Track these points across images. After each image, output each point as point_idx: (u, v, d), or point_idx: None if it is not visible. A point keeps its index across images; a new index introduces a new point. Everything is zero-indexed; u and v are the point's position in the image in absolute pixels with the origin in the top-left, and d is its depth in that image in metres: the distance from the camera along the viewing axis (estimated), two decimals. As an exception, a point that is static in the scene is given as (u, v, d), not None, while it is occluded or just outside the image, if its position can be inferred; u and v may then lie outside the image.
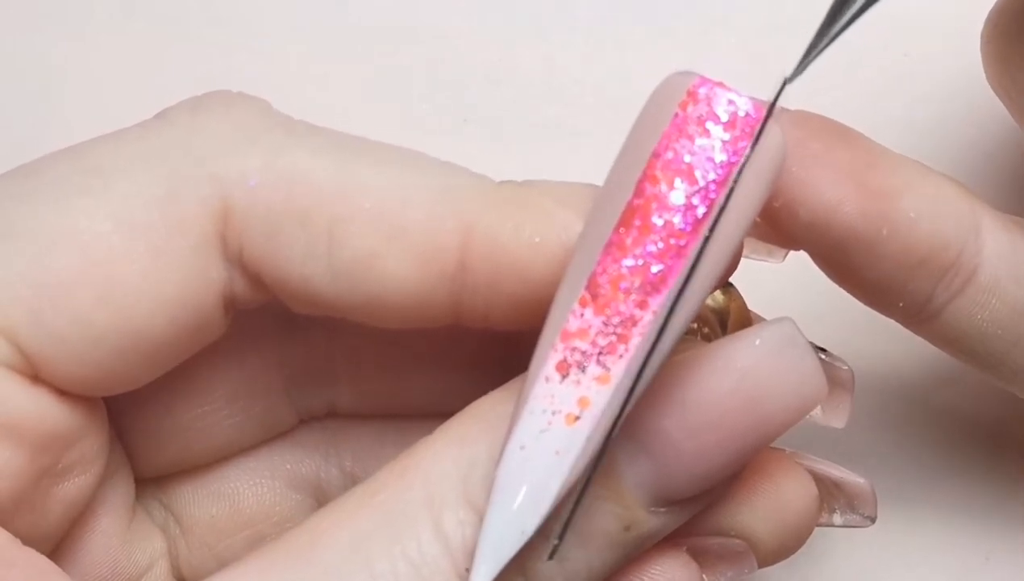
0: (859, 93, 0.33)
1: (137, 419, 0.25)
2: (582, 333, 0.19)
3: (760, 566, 0.23)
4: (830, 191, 0.22)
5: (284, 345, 0.26)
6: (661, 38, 0.34)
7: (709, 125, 0.19)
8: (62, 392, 0.22)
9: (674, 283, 0.19)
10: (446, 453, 0.21)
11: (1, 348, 0.21)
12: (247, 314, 0.24)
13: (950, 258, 0.23)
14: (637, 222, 0.19)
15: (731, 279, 0.24)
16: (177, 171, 0.22)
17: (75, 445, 0.22)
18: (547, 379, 0.19)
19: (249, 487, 0.26)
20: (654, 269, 0.19)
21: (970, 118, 0.33)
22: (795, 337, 0.21)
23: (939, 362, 0.31)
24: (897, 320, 0.25)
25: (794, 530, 0.24)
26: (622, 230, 0.19)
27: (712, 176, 0.19)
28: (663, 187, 0.19)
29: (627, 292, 0.19)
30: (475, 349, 0.26)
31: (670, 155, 0.19)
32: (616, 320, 0.19)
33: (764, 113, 0.19)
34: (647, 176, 0.19)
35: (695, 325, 0.26)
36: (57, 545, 0.23)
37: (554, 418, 0.19)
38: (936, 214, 0.23)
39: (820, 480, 0.25)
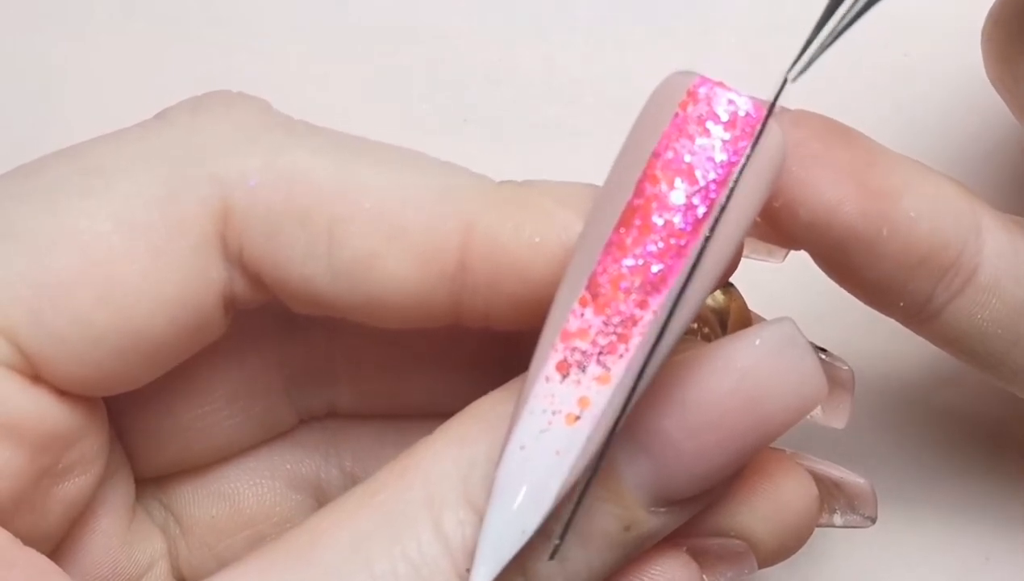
0: (859, 93, 0.33)
1: (137, 419, 0.25)
2: (582, 333, 0.19)
3: (760, 566, 0.23)
4: (830, 191, 0.22)
5: (284, 345, 0.26)
6: (661, 38, 0.34)
7: (709, 125, 0.19)
8: (62, 392, 0.22)
9: (674, 283, 0.19)
10: (446, 453, 0.21)
11: (1, 348, 0.21)
12: (247, 314, 0.24)
13: (950, 258, 0.23)
14: (637, 222, 0.19)
15: (731, 279, 0.24)
16: (177, 171, 0.22)
17: (75, 445, 0.22)
18: (547, 379, 0.19)
19: (249, 487, 0.26)
20: (654, 269, 0.19)
21: (970, 118, 0.33)
22: (795, 337, 0.21)
23: (939, 362, 0.31)
24: (897, 320, 0.25)
25: (794, 530, 0.24)
26: (622, 230, 0.19)
27: (712, 176, 0.19)
28: (663, 187, 0.19)
29: (627, 292, 0.19)
30: (475, 349, 0.26)
31: (670, 155, 0.19)
32: (616, 320, 0.19)
33: (764, 113, 0.19)
34: (647, 176, 0.19)
35: (695, 325, 0.26)
36: (57, 545, 0.23)
37: (554, 418, 0.19)
38: (936, 214, 0.23)
39: (820, 480, 0.25)
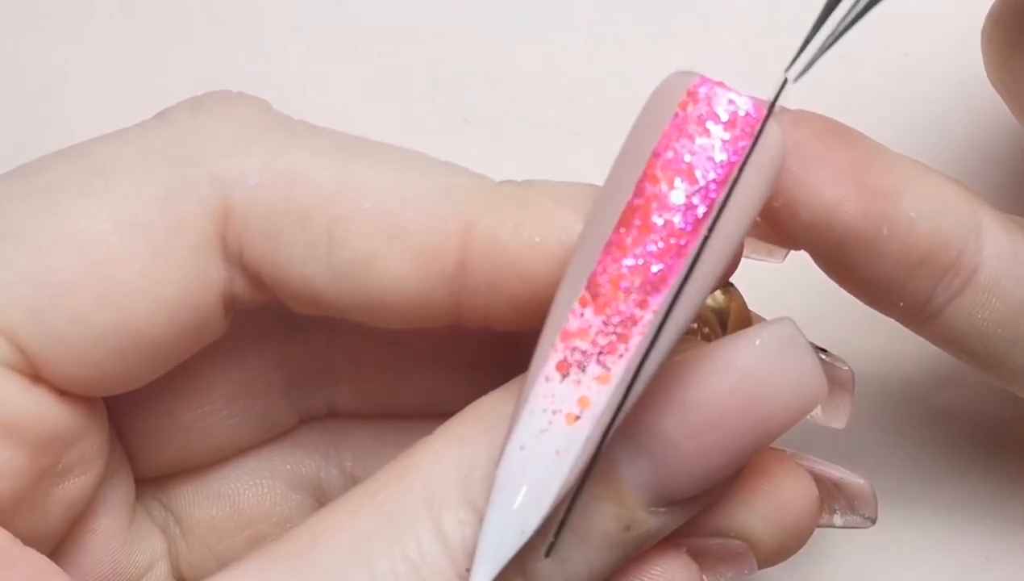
0: (859, 93, 0.33)
1: (137, 419, 0.25)
2: (582, 333, 0.19)
3: (760, 567, 0.23)
4: (830, 191, 0.22)
5: (284, 345, 0.26)
6: (661, 38, 0.34)
7: (709, 125, 0.19)
8: (62, 392, 0.22)
9: (674, 283, 0.19)
10: (446, 453, 0.21)
11: (1, 348, 0.21)
12: (247, 314, 0.24)
13: (950, 258, 0.23)
14: (637, 222, 0.19)
15: (731, 279, 0.24)
16: (177, 171, 0.22)
17: (75, 445, 0.22)
18: (547, 379, 0.19)
19: (249, 487, 0.26)
20: (654, 269, 0.19)
21: (970, 118, 0.33)
22: (795, 337, 0.21)
23: (939, 362, 0.31)
24: (897, 320, 0.25)
25: (794, 531, 0.24)
26: (622, 230, 0.19)
27: (712, 176, 0.19)
28: (663, 187, 0.19)
29: (627, 291, 0.19)
30: (475, 349, 0.26)
31: (670, 155, 0.19)
32: (616, 320, 0.19)
33: (764, 113, 0.19)
34: (647, 176, 0.19)
35: (695, 325, 0.26)
36: (57, 545, 0.23)
37: (554, 418, 0.19)
38: (936, 213, 0.23)
39: (820, 481, 0.25)
